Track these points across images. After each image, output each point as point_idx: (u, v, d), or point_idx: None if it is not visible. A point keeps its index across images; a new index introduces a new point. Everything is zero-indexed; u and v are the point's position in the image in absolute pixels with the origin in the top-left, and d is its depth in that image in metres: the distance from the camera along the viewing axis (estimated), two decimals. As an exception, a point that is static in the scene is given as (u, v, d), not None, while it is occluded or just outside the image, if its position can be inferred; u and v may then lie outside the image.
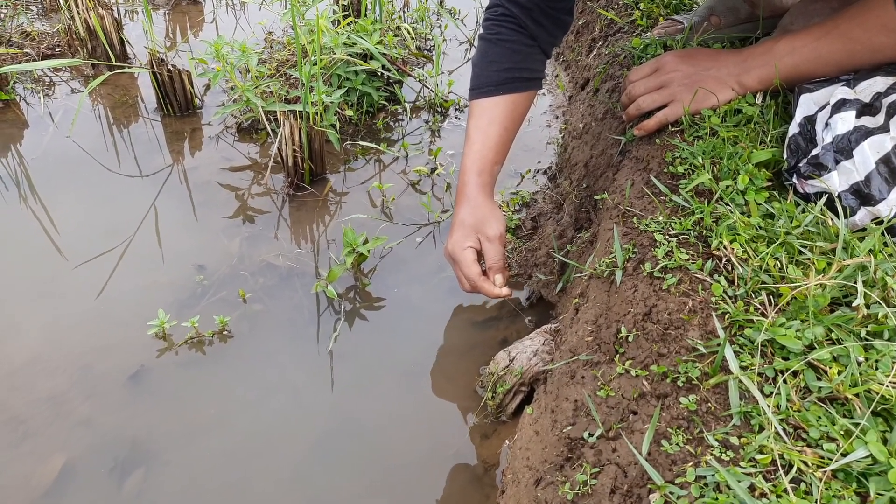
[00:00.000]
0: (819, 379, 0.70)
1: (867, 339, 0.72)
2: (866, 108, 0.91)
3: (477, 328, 1.37)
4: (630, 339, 0.85)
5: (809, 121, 0.95)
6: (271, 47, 2.18)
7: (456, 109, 2.05)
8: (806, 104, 0.97)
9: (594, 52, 1.85)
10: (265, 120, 1.80)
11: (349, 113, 1.89)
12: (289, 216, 1.63)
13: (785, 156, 0.94)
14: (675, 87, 1.08)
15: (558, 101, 2.07)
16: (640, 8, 1.66)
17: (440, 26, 2.46)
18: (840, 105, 0.91)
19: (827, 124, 0.91)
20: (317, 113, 1.70)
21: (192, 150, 1.84)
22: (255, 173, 1.75)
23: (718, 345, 0.76)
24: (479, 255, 1.20)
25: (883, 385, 0.67)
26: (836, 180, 0.87)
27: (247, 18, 2.48)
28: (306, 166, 1.66)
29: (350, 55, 1.89)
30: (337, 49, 1.86)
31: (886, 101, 0.90)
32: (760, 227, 0.87)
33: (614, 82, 1.47)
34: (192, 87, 1.93)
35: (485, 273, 1.19)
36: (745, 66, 1.04)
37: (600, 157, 1.38)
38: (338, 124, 1.81)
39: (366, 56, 1.96)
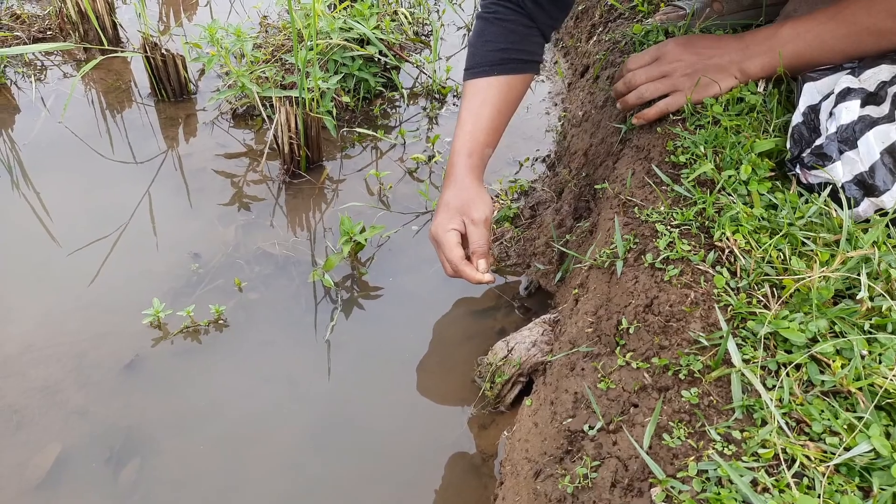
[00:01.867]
0: (822, 372, 0.70)
1: (871, 333, 0.72)
2: (871, 98, 0.89)
3: (475, 318, 1.36)
4: (631, 330, 0.84)
5: (813, 110, 0.93)
6: (266, 32, 2.14)
7: (454, 96, 2.02)
8: (809, 93, 0.95)
9: (594, 39, 1.82)
10: (261, 106, 1.78)
11: (346, 99, 1.87)
12: (285, 204, 1.61)
13: (788, 145, 0.93)
14: (677, 77, 1.06)
15: (557, 89, 2.05)
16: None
17: (438, 11, 2.42)
18: (845, 94, 0.90)
19: (831, 113, 0.90)
20: (313, 99, 1.67)
21: (186, 137, 1.81)
22: (251, 160, 1.73)
23: (721, 337, 0.75)
24: (465, 239, 1.16)
25: (886, 379, 0.66)
26: (840, 171, 0.86)
27: (241, 2, 2.44)
28: (302, 153, 1.64)
29: (347, 40, 1.87)
30: (333, 34, 1.83)
31: (892, 90, 0.89)
32: (763, 218, 0.86)
33: (614, 69, 1.46)
34: (187, 72, 1.91)
35: (469, 258, 1.15)
36: (748, 52, 1.02)
37: (600, 145, 1.36)
38: (334, 111, 1.79)
39: (362, 41, 1.93)
